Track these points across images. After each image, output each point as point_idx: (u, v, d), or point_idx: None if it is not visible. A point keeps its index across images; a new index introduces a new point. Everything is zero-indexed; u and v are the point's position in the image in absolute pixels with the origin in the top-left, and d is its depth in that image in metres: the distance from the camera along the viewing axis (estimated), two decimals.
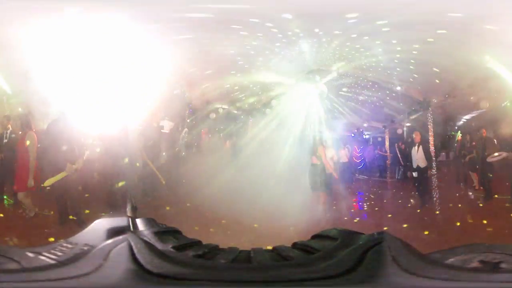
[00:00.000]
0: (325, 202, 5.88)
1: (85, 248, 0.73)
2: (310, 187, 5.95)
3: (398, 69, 6.84)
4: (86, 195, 4.75)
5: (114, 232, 0.80)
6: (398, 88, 7.50)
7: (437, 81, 6.82)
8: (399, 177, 8.55)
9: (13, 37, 4.36)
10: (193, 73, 5.71)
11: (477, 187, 7.05)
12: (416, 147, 6.74)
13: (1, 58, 4.71)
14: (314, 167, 6.01)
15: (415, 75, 6.95)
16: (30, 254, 0.73)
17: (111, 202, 4.55)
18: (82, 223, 4.12)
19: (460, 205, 5.88)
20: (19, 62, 4.94)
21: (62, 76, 4.69)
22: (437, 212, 5.64)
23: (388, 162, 9.05)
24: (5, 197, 4.95)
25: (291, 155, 6.76)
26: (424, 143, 6.73)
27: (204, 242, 0.85)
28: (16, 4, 3.83)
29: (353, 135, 9.34)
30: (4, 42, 4.33)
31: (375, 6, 4.29)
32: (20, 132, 4.90)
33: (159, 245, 0.70)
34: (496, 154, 6.05)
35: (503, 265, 0.65)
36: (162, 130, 6.50)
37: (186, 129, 6.81)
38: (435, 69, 6.31)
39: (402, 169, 8.72)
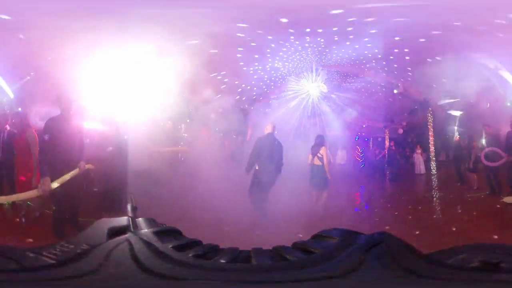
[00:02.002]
0: (325, 200, 5.99)
1: (86, 248, 0.73)
2: (312, 186, 6.09)
3: (397, 68, 6.84)
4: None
5: (114, 232, 0.80)
6: (398, 88, 7.50)
7: (435, 82, 6.83)
8: (391, 179, 8.54)
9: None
10: (193, 74, 5.71)
11: (475, 187, 7.07)
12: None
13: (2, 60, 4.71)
14: (316, 167, 6.09)
15: (415, 75, 6.95)
16: (30, 254, 0.73)
17: (111, 204, 4.50)
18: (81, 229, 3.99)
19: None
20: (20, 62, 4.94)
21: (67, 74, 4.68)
22: None
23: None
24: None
25: (290, 155, 6.78)
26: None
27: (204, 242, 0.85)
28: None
29: (357, 138, 9.32)
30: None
31: (374, 5, 4.29)
32: (16, 131, 4.88)
33: (159, 245, 0.70)
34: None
35: (503, 265, 0.64)
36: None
37: (182, 125, 6.80)
38: (434, 68, 6.32)
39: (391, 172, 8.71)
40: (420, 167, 9.08)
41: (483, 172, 6.74)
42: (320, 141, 6.21)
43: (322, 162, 6.07)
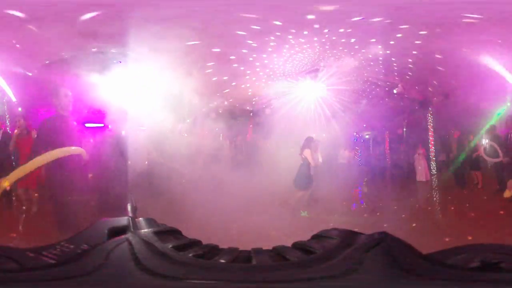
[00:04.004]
0: (304, 198, 6.26)
1: (86, 248, 0.73)
2: (294, 183, 6.29)
3: (396, 68, 6.84)
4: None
5: (114, 232, 0.80)
6: (398, 88, 7.49)
7: (435, 82, 6.83)
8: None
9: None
10: (192, 73, 5.71)
11: (479, 186, 7.05)
12: None
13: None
14: (302, 165, 6.37)
15: (415, 75, 6.96)
16: (30, 254, 0.74)
17: (111, 205, 4.44)
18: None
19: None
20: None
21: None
22: None
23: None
24: None
25: (290, 154, 6.80)
26: None
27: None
28: None
29: (355, 139, 9.28)
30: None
31: (374, 4, 4.30)
32: (24, 132, 4.87)
33: (159, 245, 0.70)
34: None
35: (503, 265, 0.65)
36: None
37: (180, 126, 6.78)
38: (434, 68, 6.32)
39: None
40: (423, 172, 7.63)
41: (485, 170, 6.77)
42: (306, 143, 6.47)
43: (306, 163, 6.32)
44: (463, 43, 5.05)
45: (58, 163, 3.80)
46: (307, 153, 6.36)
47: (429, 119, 7.64)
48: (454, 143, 7.85)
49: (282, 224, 4.55)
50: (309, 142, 6.48)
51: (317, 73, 7.42)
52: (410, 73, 6.93)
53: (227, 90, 7.18)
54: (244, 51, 5.84)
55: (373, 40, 5.62)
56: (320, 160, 6.77)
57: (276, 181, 6.24)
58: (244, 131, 8.35)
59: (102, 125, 5.04)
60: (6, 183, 3.44)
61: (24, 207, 4.57)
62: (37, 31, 4.33)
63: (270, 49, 6.04)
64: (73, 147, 3.78)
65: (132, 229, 0.82)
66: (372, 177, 8.25)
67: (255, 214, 5.14)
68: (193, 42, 5.08)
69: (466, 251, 0.77)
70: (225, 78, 6.71)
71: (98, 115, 4.91)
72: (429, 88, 7.18)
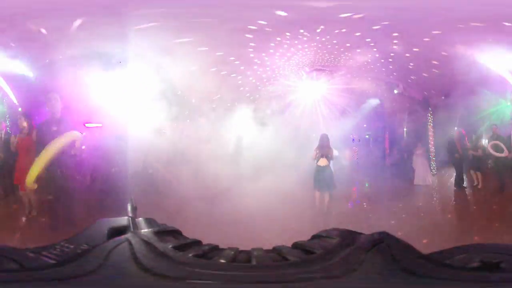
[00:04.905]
0: (329, 200, 6.03)
1: (85, 248, 0.73)
2: (316, 187, 6.03)
3: (397, 68, 6.84)
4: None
5: (114, 232, 0.80)
6: (398, 88, 7.49)
7: (435, 82, 6.83)
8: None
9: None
10: (192, 73, 5.71)
11: (480, 186, 7.03)
12: None
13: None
14: (322, 168, 6.05)
15: (415, 75, 6.95)
16: (30, 254, 0.74)
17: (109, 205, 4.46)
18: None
19: None
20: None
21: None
22: None
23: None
24: None
25: (291, 156, 6.77)
26: None
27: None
28: None
29: (353, 140, 9.23)
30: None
31: (374, 5, 4.30)
32: (25, 132, 4.89)
33: (159, 245, 0.70)
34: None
35: (503, 265, 0.65)
36: (162, 131, 6.48)
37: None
38: (434, 69, 6.32)
39: None
40: (423, 172, 7.31)
41: (487, 171, 6.79)
42: (327, 141, 6.14)
43: (329, 162, 6.03)
44: (463, 43, 5.05)
45: (54, 163, 3.97)
46: (335, 152, 6.11)
47: (429, 119, 7.63)
48: (454, 143, 7.82)
49: (283, 224, 4.55)
50: (327, 140, 6.13)
51: (318, 73, 7.43)
52: (410, 73, 6.92)
53: (227, 91, 7.17)
54: (244, 50, 5.84)
55: (374, 40, 5.62)
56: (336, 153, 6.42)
57: (277, 180, 6.22)
58: (245, 131, 8.34)
59: (100, 125, 5.05)
60: (35, 185, 3.87)
61: (27, 209, 4.60)
62: (37, 32, 4.33)
63: (269, 50, 6.04)
64: (72, 133, 4.06)
65: (132, 229, 0.82)
66: (371, 177, 8.24)
67: (256, 213, 5.14)
68: (189, 41, 5.08)
69: (466, 251, 0.77)
70: (225, 78, 6.71)
71: (96, 115, 4.92)
72: (429, 88, 7.17)
